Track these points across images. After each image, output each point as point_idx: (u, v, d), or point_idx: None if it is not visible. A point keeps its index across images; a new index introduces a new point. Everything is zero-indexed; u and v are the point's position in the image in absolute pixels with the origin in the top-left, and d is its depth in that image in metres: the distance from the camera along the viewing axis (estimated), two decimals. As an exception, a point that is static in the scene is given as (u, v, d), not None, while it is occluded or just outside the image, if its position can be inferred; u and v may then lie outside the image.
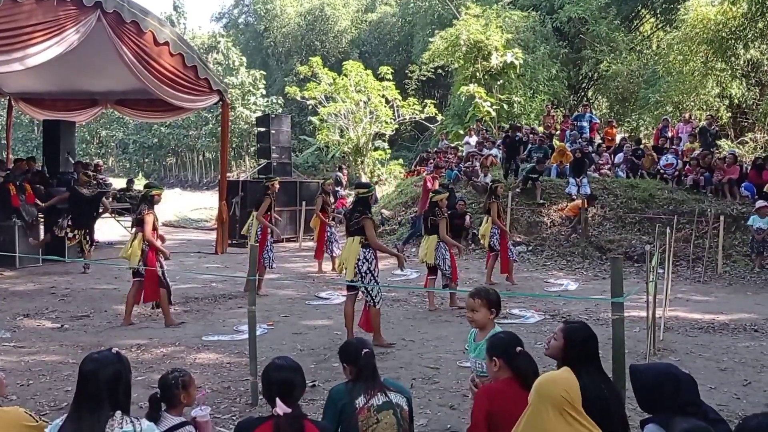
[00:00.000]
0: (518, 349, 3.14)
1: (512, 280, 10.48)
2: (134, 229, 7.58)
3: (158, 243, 7.45)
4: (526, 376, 2.99)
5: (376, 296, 6.67)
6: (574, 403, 2.52)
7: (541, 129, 18.51)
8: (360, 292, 6.79)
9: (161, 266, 7.45)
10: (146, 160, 39.74)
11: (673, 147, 15.62)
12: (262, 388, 3.12)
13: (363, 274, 6.60)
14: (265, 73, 35.14)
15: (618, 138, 18.08)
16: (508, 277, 10.49)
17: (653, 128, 19.60)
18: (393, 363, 6.07)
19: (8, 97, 15.90)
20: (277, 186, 10.00)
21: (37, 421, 2.71)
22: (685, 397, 2.69)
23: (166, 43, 11.71)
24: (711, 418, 2.73)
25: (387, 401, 3.12)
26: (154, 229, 7.42)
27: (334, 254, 11.37)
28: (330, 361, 6.17)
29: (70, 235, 11.08)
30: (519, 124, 18.32)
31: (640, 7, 25.98)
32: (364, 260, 6.60)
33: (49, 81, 13.93)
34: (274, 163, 16.15)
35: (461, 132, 21.16)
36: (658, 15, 25.90)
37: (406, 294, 9.34)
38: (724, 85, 18.81)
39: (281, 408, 2.80)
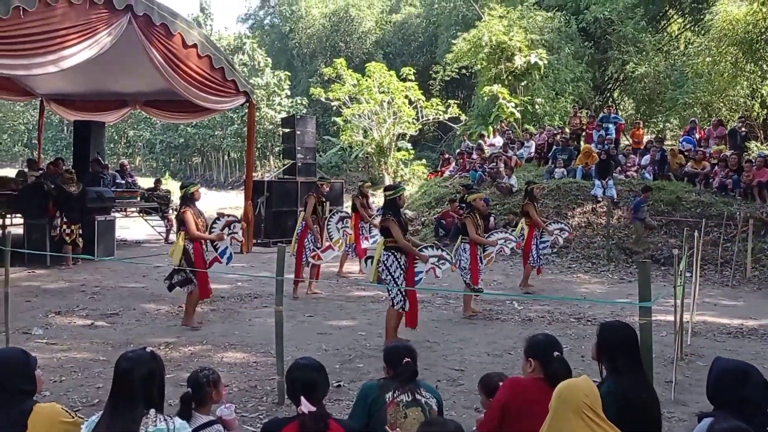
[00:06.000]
0: (556, 354, 3.15)
1: (525, 284, 10.19)
2: (179, 230, 7.58)
3: (206, 234, 7.47)
4: (559, 380, 2.98)
5: (394, 298, 6.71)
6: (594, 407, 2.59)
7: (567, 130, 18.41)
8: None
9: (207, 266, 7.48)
10: (173, 159, 40.21)
11: (701, 150, 15.41)
12: (286, 388, 3.18)
13: (383, 276, 6.73)
14: (289, 74, 35.34)
15: (645, 140, 17.91)
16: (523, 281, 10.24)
17: (681, 130, 19.36)
18: (418, 364, 6.09)
19: (41, 99, 16.23)
20: (327, 188, 10.16)
21: (72, 418, 2.77)
22: (742, 393, 2.68)
23: (195, 46, 11.87)
24: None
25: (416, 399, 3.19)
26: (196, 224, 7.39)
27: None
28: (355, 362, 6.22)
29: (68, 231, 11.26)
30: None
31: (667, 8, 25.66)
32: (383, 262, 6.71)
33: (80, 82, 14.20)
34: (299, 164, 16.25)
35: (484, 133, 21.11)
36: (686, 15, 25.57)
37: (429, 295, 9.36)
38: (755, 86, 18.51)
39: (306, 406, 2.86)
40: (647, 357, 3.73)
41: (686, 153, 15.54)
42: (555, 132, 18.32)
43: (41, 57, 9.16)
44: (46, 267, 11.03)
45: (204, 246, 7.56)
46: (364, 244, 11.28)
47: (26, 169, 15.13)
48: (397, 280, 6.65)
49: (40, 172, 13.46)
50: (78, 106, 16.14)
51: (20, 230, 12.15)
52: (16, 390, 2.68)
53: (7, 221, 12.88)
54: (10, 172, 18.23)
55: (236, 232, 7.78)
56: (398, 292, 6.66)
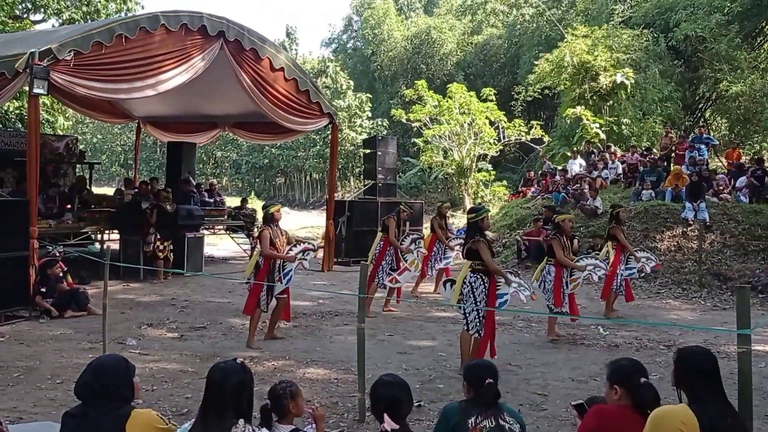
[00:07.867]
0: (643, 380, 3.04)
1: (609, 310, 9.73)
2: (256, 246, 7.92)
3: (276, 253, 7.49)
4: (647, 408, 2.89)
5: (470, 322, 6.53)
6: None
7: (657, 152, 17.82)
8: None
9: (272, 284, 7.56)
10: (257, 179, 41.39)
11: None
12: (370, 404, 3.19)
13: (465, 298, 6.53)
14: (371, 95, 35.82)
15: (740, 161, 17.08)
16: (607, 306, 9.83)
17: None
18: (499, 387, 5.99)
19: (137, 121, 17.15)
20: (406, 215, 10.20)
21: (167, 424, 2.88)
22: None
23: (282, 69, 12.27)
24: None
25: (499, 425, 3.11)
26: (272, 243, 7.45)
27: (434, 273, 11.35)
28: (435, 382, 6.18)
29: (161, 247, 11.76)
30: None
31: (764, 24, 24.49)
32: (468, 284, 6.52)
33: (174, 105, 14.92)
34: (380, 184, 16.42)
35: (568, 154, 20.70)
36: (786, 31, 24.35)
37: (510, 318, 9.21)
38: None
39: (389, 424, 2.86)
40: (746, 388, 3.53)
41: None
42: (643, 153, 17.75)
43: (140, 81, 9.73)
44: (139, 281, 11.56)
45: (273, 264, 7.55)
46: (437, 266, 11.24)
47: (123, 188, 16.00)
48: (479, 303, 6.47)
49: (135, 190, 14.19)
50: (171, 128, 16.96)
51: (117, 245, 12.81)
52: (117, 395, 2.81)
53: (105, 236, 13.61)
54: (108, 191, 19.27)
55: (305, 259, 7.87)
56: (476, 317, 6.50)
